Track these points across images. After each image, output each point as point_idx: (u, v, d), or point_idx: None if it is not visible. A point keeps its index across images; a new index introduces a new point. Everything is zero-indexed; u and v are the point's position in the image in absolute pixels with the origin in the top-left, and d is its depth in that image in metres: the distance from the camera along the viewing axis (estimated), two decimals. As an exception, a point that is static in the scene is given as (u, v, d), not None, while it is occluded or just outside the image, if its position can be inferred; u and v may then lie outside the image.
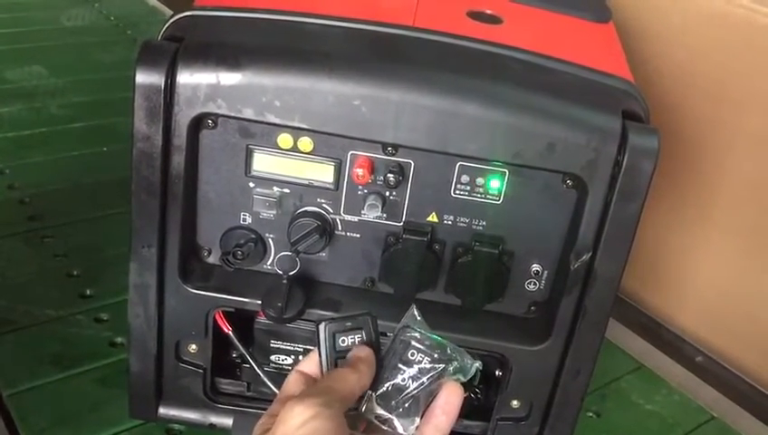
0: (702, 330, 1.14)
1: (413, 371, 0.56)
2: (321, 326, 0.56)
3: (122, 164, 1.24)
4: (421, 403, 0.56)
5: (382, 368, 0.56)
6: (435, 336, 0.57)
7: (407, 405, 0.55)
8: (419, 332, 0.57)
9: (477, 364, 0.57)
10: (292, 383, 0.56)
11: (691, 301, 1.16)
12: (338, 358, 0.56)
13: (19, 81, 1.52)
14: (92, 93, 1.51)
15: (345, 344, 0.56)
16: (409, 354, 0.56)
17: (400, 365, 0.56)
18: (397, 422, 0.55)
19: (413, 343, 0.57)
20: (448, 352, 0.57)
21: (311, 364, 0.57)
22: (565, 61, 0.69)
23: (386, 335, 0.59)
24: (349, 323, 0.57)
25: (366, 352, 0.56)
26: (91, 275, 1.04)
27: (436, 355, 0.56)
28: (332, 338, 0.56)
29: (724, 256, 1.11)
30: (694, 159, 1.08)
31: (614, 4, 0.90)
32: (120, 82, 1.53)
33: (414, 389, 0.56)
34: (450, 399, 0.56)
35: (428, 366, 0.56)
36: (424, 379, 0.56)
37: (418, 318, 0.58)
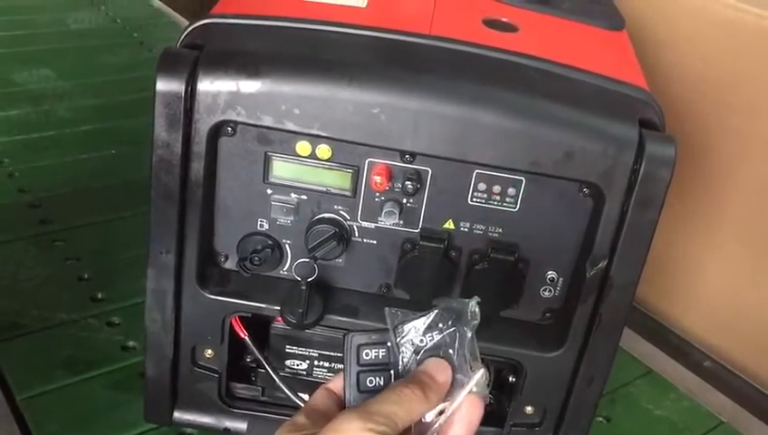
0: (710, 335, 1.15)
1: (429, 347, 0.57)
2: (348, 337, 0.57)
3: (131, 167, 1.25)
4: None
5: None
6: (422, 315, 0.57)
7: None
8: (406, 321, 0.57)
9: (473, 302, 0.57)
10: (318, 398, 0.57)
11: (699, 306, 1.17)
12: (360, 372, 0.56)
13: (26, 83, 1.52)
14: (100, 96, 1.51)
15: (369, 358, 0.56)
16: (419, 342, 0.57)
17: (416, 355, 0.57)
18: None
19: (410, 334, 0.57)
20: (444, 314, 0.57)
21: (338, 384, 0.57)
22: (582, 69, 0.70)
23: None
24: (375, 337, 0.57)
25: (443, 375, 0.55)
26: (102, 279, 1.04)
27: (441, 325, 0.57)
28: (357, 350, 0.56)
29: (733, 261, 1.12)
30: (704, 165, 1.08)
31: (624, 12, 0.90)
32: (126, 84, 1.55)
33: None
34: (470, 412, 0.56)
35: (438, 338, 0.56)
36: (440, 352, 0.56)
37: (398, 313, 0.58)
